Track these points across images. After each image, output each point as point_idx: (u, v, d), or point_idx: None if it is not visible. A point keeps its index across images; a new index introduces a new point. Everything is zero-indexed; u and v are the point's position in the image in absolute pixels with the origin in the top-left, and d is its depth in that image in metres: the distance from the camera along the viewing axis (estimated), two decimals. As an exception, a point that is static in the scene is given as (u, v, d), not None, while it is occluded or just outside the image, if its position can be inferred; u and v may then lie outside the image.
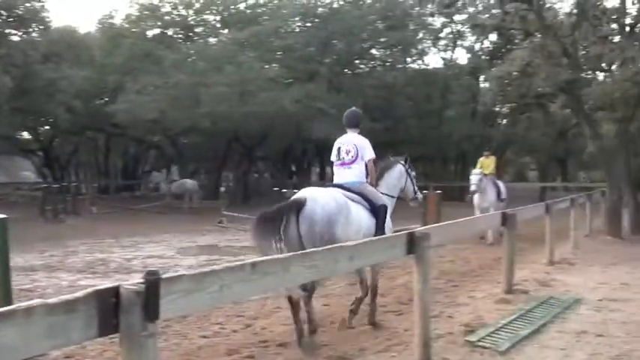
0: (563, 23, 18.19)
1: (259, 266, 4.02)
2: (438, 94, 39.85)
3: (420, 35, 38.58)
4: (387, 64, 40.08)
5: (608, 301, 8.61)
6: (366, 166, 7.71)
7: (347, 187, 7.40)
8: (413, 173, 8.84)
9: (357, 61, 39.20)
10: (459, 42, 41.27)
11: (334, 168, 7.86)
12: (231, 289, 3.77)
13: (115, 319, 3.04)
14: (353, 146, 7.69)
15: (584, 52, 19.29)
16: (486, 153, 17.95)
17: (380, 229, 7.36)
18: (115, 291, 3.07)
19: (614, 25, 18.72)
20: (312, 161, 48.77)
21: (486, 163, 17.50)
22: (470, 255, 14.28)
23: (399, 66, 40.00)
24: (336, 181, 7.69)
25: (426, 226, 6.91)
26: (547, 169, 48.53)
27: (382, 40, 36.13)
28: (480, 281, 10.57)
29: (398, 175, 8.49)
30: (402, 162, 8.69)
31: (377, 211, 7.42)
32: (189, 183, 32.06)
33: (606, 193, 18.22)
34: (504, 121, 42.88)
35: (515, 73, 17.98)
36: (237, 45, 30.66)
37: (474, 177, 17.06)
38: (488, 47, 38.69)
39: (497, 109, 32.55)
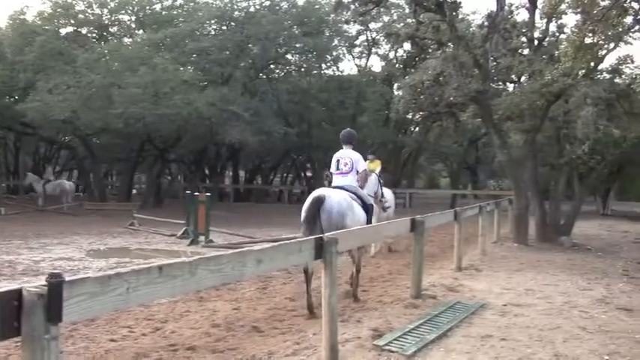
0: (475, 35, 18.59)
1: (166, 270, 4.01)
2: (352, 101, 40.30)
3: (335, 42, 38.90)
4: (302, 69, 40.34)
5: (512, 306, 8.89)
6: (358, 172, 10.03)
7: (346, 189, 9.59)
8: (382, 181, 12.54)
9: (272, 66, 39.27)
10: (373, 50, 41.93)
11: (334, 176, 10.12)
12: (137, 292, 3.74)
13: (17, 322, 3.01)
14: (349, 159, 9.99)
15: (494, 64, 19.90)
16: (371, 157, 16.09)
17: (369, 221, 9.62)
18: (18, 294, 3.03)
19: (524, 39, 19.44)
20: (225, 165, 48.53)
21: (371, 167, 14.17)
22: (380, 260, 14.50)
23: (314, 72, 40.31)
24: (338, 183, 9.88)
25: (337, 232, 6.98)
26: (458, 177, 49.69)
27: (298, 45, 36.27)
28: (390, 286, 10.74)
29: (375, 182, 12.24)
30: (376, 172, 12.44)
31: (367, 208, 9.72)
32: (67, 184, 31.45)
33: (514, 201, 18.75)
34: (417, 129, 43.75)
35: (427, 82, 18.33)
36: (152, 46, 30.21)
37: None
38: (402, 56, 39.40)
39: (409, 116, 33.09)
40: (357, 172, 10.00)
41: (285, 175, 55.31)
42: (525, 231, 18.00)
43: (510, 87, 21.93)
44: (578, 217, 20.19)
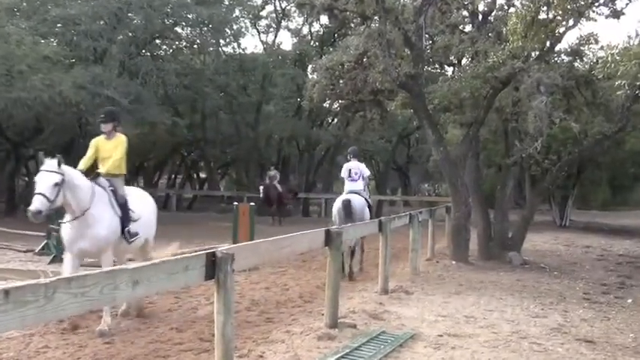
0: (407, 7, 18.58)
1: (14, 294, 3.90)
2: (256, 86, 40.35)
3: (237, 13, 38.73)
4: (195, 46, 39.96)
5: (449, 336, 9.05)
6: (365, 178, 17.05)
7: (358, 192, 16.44)
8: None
9: (157, 41, 38.64)
10: (283, 23, 42.11)
11: (346, 181, 16.86)
12: (-25, 323, 3.64)
13: None
14: (358, 169, 16.80)
15: (429, 43, 20.21)
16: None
17: (371, 214, 16.67)
18: None
19: (465, 13, 19.79)
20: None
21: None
22: (289, 281, 14.55)
23: (210, 49, 40.04)
24: (349, 188, 16.62)
25: (232, 245, 6.97)
26: (385, 180, 50.31)
27: (189, 16, 35.83)
28: (300, 313, 10.75)
29: (366, 185, 17.63)
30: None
31: (370, 207, 16.89)
32: None
33: (452, 209, 18.97)
34: (335, 121, 44.11)
35: (348, 64, 18.46)
36: (3, 11, 29.38)
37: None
38: (318, 31, 39.72)
39: (326, 105, 33.35)
40: (363, 177, 16.90)
41: (173, 176, 54.89)
42: (465, 246, 18.32)
43: (449, 71, 22.30)
44: (530, 229, 20.58)
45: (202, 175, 53.55)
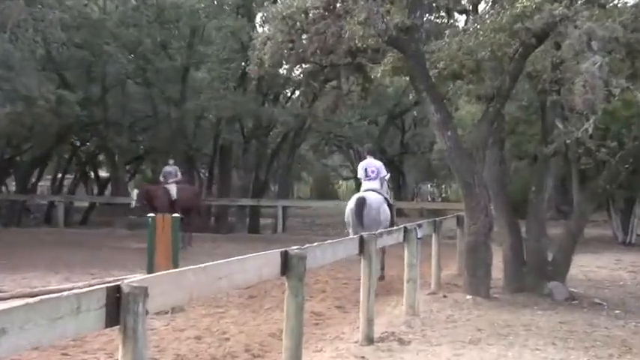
0: None
1: None
2: (180, 43, 40.68)
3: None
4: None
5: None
6: (381, 178, 21.25)
7: (375, 190, 20.63)
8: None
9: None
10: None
11: (363, 181, 21.42)
12: None
13: None
14: (375, 168, 21.18)
15: (432, -21, 20.23)
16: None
17: (393, 218, 21.44)
18: None
19: None
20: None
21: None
22: (230, 327, 14.50)
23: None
24: (368, 187, 20.88)
25: (146, 276, 6.93)
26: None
27: None
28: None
29: (386, 187, 22.05)
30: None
31: (390, 206, 21.31)
32: None
33: (465, 221, 18.97)
34: (296, 94, 44.08)
35: (314, 12, 18.38)
36: None
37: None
38: (271, -38, 39.64)
39: (283, 72, 33.12)
40: (381, 176, 21.16)
41: (59, 175, 54.39)
42: (486, 273, 18.22)
43: (460, 21, 22.33)
44: (580, 248, 20.68)
45: (103, 173, 53.33)
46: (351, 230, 19.88)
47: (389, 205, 21.02)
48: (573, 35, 16.29)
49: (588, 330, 14.57)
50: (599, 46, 16.55)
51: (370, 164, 21.17)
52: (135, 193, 31.11)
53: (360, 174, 21.50)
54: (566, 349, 12.60)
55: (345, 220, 20.44)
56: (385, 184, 22.12)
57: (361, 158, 27.77)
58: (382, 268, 20.07)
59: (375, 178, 20.97)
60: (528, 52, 17.76)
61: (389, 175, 23.09)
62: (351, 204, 20.36)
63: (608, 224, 34.94)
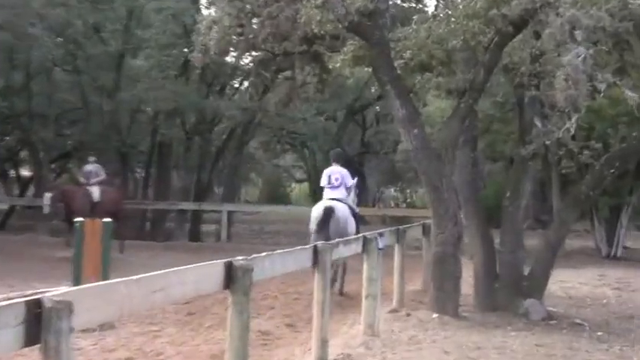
0: None
1: None
2: (116, 26, 40.52)
3: None
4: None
5: None
6: (347, 188, 22.25)
7: (342, 200, 21.65)
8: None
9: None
10: None
11: (325, 189, 22.23)
12: None
13: None
14: (340, 175, 22.10)
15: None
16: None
17: (357, 227, 21.82)
18: None
19: None
20: None
21: None
22: (166, 347, 14.55)
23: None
24: (329, 196, 21.84)
25: (70, 289, 6.96)
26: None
27: None
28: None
29: (353, 195, 22.91)
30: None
31: (356, 216, 22.48)
32: None
33: (432, 229, 18.93)
34: (244, 85, 44.17)
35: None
36: None
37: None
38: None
39: (231, 60, 33.13)
40: (346, 185, 22.01)
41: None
42: (454, 288, 18.24)
43: (429, 6, 22.48)
44: (560, 261, 20.78)
45: (25, 172, 53.13)
46: (312, 240, 19.53)
47: (354, 216, 21.91)
48: (555, 24, 16.40)
49: (568, 354, 14.70)
50: (584, 36, 16.64)
51: (335, 171, 22.07)
52: (47, 196, 30.75)
53: (324, 181, 22.25)
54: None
55: (310, 227, 21.05)
56: (352, 193, 22.92)
57: (317, 159, 28.72)
58: (342, 283, 21.20)
59: (338, 187, 21.83)
60: (505, 42, 17.87)
61: (355, 179, 23.53)
62: (317, 211, 21.08)
63: (591, 235, 34.98)
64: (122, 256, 28.48)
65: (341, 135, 47.72)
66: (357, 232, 20.29)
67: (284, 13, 18.12)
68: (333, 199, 21.55)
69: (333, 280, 18.73)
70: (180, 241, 37.96)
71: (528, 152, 18.95)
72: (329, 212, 20.49)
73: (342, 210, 21.00)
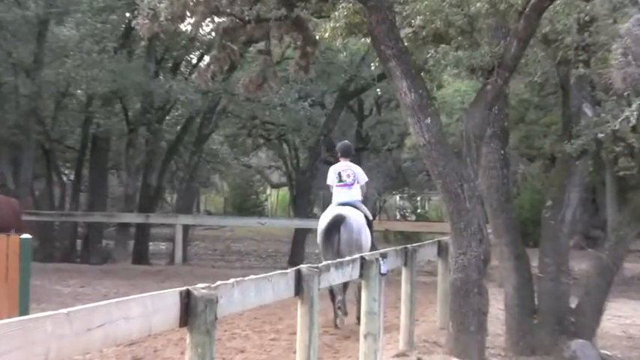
0: None
1: None
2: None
3: None
4: None
5: None
6: (361, 187, 23.58)
7: (352, 204, 22.58)
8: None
9: None
10: None
11: (335, 188, 22.98)
12: None
13: None
14: (352, 172, 23.10)
15: None
16: None
17: (372, 241, 23.33)
18: None
19: None
20: None
21: None
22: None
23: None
24: (341, 198, 22.76)
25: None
26: (311, 184, 50.52)
27: None
28: None
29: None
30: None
31: (370, 224, 23.32)
32: None
33: (450, 249, 18.68)
34: (205, 62, 44.19)
35: None
36: None
37: None
38: None
39: (185, 28, 33.20)
40: (360, 184, 22.54)
41: None
42: (479, 326, 18.24)
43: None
44: (617, 290, 20.76)
45: None
46: (322, 260, 20.20)
47: (369, 223, 22.48)
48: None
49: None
50: (647, -3, 16.63)
51: (346, 167, 22.46)
52: None
53: (332, 180, 22.64)
54: None
55: (317, 241, 21.89)
56: (364, 192, 23.51)
57: (300, 157, 28.87)
58: (358, 308, 19.30)
59: (352, 184, 22.35)
60: (545, 5, 17.81)
61: (366, 179, 24.11)
62: (322, 222, 21.74)
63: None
64: (46, 283, 28.54)
65: (331, 126, 47.48)
66: (373, 247, 21.19)
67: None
68: (345, 203, 21.89)
69: (339, 309, 18.92)
70: (121, 263, 38.10)
71: (575, 149, 18.89)
72: (337, 221, 20.70)
73: (354, 217, 21.23)
